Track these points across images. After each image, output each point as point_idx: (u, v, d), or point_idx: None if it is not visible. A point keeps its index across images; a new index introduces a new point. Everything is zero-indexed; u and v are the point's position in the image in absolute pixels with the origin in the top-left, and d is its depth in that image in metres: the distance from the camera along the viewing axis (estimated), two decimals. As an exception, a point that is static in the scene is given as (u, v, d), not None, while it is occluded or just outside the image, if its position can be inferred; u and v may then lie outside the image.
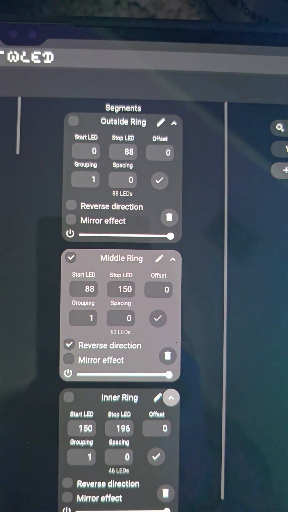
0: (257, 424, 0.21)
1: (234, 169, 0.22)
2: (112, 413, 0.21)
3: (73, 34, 0.22)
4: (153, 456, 0.21)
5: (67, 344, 0.21)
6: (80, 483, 0.21)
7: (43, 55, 0.21)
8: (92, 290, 0.21)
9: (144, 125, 0.22)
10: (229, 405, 0.21)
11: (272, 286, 0.21)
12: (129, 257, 0.21)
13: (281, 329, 0.21)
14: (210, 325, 0.21)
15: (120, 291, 0.21)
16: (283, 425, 0.21)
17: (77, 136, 0.21)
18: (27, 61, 0.21)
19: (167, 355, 0.21)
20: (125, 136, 0.22)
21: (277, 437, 0.21)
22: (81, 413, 0.21)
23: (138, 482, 0.21)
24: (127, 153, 0.21)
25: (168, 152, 0.22)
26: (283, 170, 0.22)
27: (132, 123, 0.22)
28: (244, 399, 0.21)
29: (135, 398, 0.21)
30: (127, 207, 0.21)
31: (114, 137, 0.22)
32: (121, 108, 0.22)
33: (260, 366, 0.21)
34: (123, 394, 0.21)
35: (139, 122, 0.22)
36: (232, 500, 0.21)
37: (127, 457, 0.21)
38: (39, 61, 0.21)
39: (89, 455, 0.21)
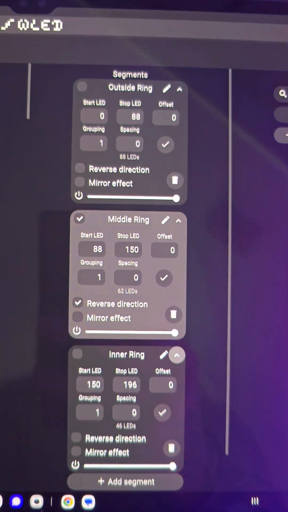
0: (261, 379, 0.21)
1: (238, 133, 0.22)
2: (119, 369, 0.21)
3: (82, 2, 0.22)
4: (159, 412, 0.21)
5: (76, 302, 0.21)
6: (89, 438, 0.21)
7: (52, 23, 0.22)
8: (100, 250, 0.22)
9: (150, 91, 0.22)
10: (233, 362, 0.21)
11: (275, 248, 0.22)
12: (136, 218, 0.22)
13: (284, 288, 0.22)
14: (215, 284, 0.22)
15: (127, 251, 0.22)
16: (286, 381, 0.22)
17: (85, 102, 0.22)
18: (37, 29, 0.22)
19: (173, 314, 0.22)
20: (132, 102, 0.22)
21: (281, 393, 0.22)
22: (89, 369, 0.21)
23: (144, 437, 0.21)
24: (134, 118, 0.22)
25: (174, 117, 0.22)
26: (286, 135, 0.22)
27: (139, 89, 0.22)
28: (249, 356, 0.22)
29: (142, 355, 0.21)
30: (134, 170, 0.22)
31: (122, 103, 0.22)
32: (128, 75, 0.22)
33: (264, 323, 0.22)
34: (130, 351, 0.21)
35: (146, 88, 0.22)
36: (236, 456, 0.21)
37: (134, 412, 0.21)
38: (48, 29, 0.22)
39: (97, 410, 0.21)
